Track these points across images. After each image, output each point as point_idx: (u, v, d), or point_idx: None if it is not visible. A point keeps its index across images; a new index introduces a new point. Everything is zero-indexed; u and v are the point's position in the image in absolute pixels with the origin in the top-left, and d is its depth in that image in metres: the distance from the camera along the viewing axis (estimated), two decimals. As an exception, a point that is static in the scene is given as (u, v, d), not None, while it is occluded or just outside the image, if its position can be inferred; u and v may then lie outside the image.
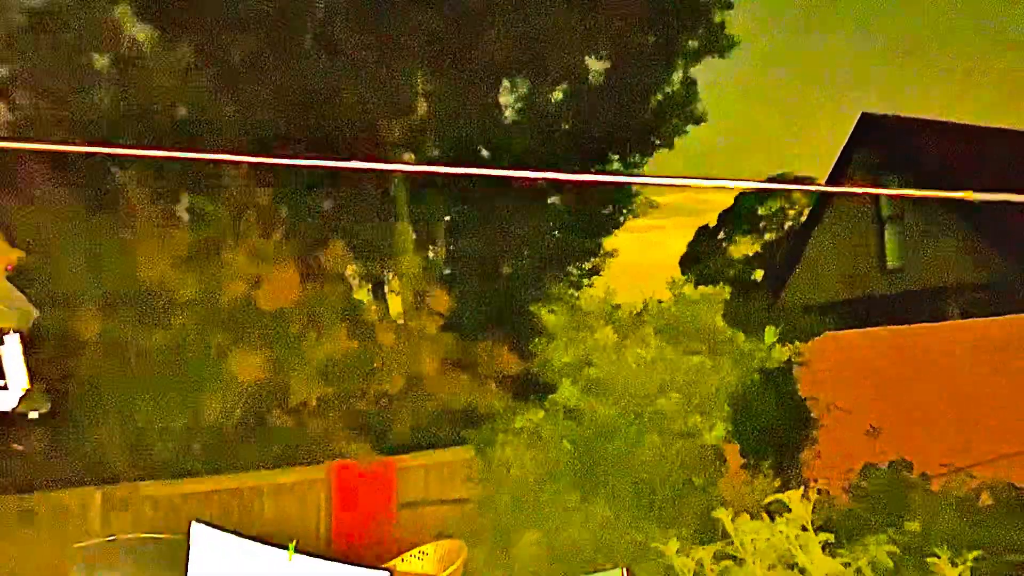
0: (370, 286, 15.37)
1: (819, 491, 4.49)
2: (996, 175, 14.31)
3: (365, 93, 13.79)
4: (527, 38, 14.69)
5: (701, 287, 7.57)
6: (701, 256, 25.18)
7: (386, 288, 15.52)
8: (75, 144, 10.97)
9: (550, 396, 7.20)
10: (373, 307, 14.54)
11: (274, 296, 9.66)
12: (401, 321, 13.00)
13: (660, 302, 7.61)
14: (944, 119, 17.10)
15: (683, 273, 21.90)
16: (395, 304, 14.85)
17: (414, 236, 15.28)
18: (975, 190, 3.65)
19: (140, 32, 13.93)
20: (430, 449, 10.43)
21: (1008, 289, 13.80)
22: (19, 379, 5.79)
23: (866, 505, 6.75)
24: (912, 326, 10.94)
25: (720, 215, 25.88)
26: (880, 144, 16.31)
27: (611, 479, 6.72)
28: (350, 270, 14.12)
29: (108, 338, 9.33)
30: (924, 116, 17.07)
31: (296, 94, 13.41)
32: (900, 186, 15.31)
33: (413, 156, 14.85)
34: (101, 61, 13.83)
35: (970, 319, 11.27)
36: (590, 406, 6.94)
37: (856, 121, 16.54)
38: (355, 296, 14.22)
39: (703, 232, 26.02)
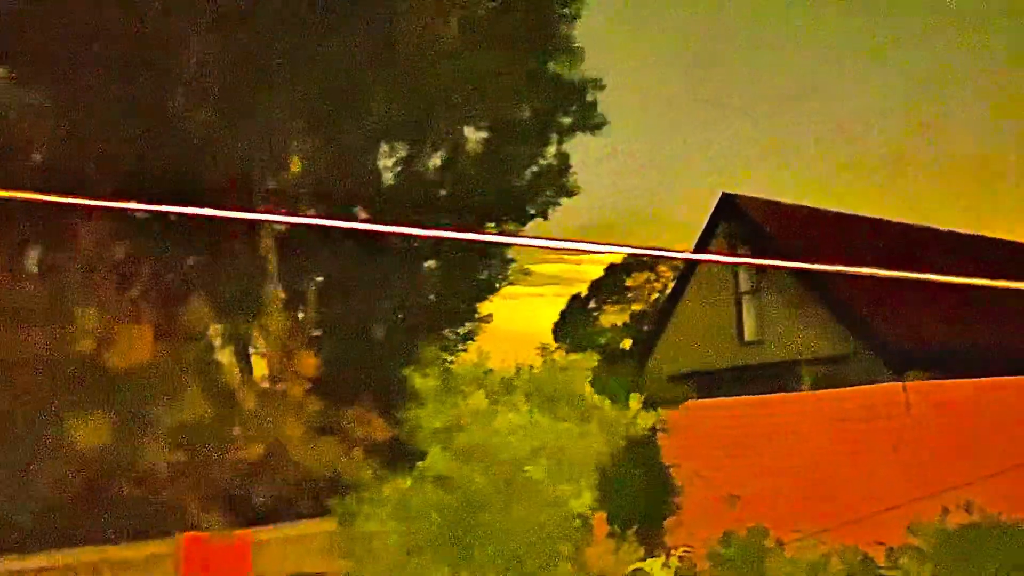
0: (233, 347, 14.72)
1: (680, 558, 4.54)
2: (846, 255, 15.43)
3: (237, 147, 13.44)
4: (408, 103, 14.82)
5: (571, 354, 7.67)
6: (573, 324, 25.71)
7: (251, 349, 14.90)
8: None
9: (419, 464, 7.03)
10: (235, 369, 13.88)
11: (125, 355, 9.10)
12: (265, 384, 12.49)
13: (531, 368, 7.64)
14: (800, 203, 18.44)
15: (555, 340, 22.27)
16: (260, 366, 14.25)
17: (283, 296, 14.82)
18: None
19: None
20: (290, 521, 9.97)
21: (854, 363, 14.79)
22: None
23: (725, 571, 6.89)
24: (767, 396, 11.47)
25: (591, 285, 26.61)
26: (739, 222, 17.34)
27: (479, 550, 6.57)
28: (213, 330, 13.49)
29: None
30: (781, 199, 18.34)
31: (163, 144, 12.90)
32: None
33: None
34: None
35: (820, 390, 11.96)
36: (460, 473, 6.81)
37: (717, 200, 17.57)
38: (216, 357, 13.57)
39: (575, 301, 26.63)
